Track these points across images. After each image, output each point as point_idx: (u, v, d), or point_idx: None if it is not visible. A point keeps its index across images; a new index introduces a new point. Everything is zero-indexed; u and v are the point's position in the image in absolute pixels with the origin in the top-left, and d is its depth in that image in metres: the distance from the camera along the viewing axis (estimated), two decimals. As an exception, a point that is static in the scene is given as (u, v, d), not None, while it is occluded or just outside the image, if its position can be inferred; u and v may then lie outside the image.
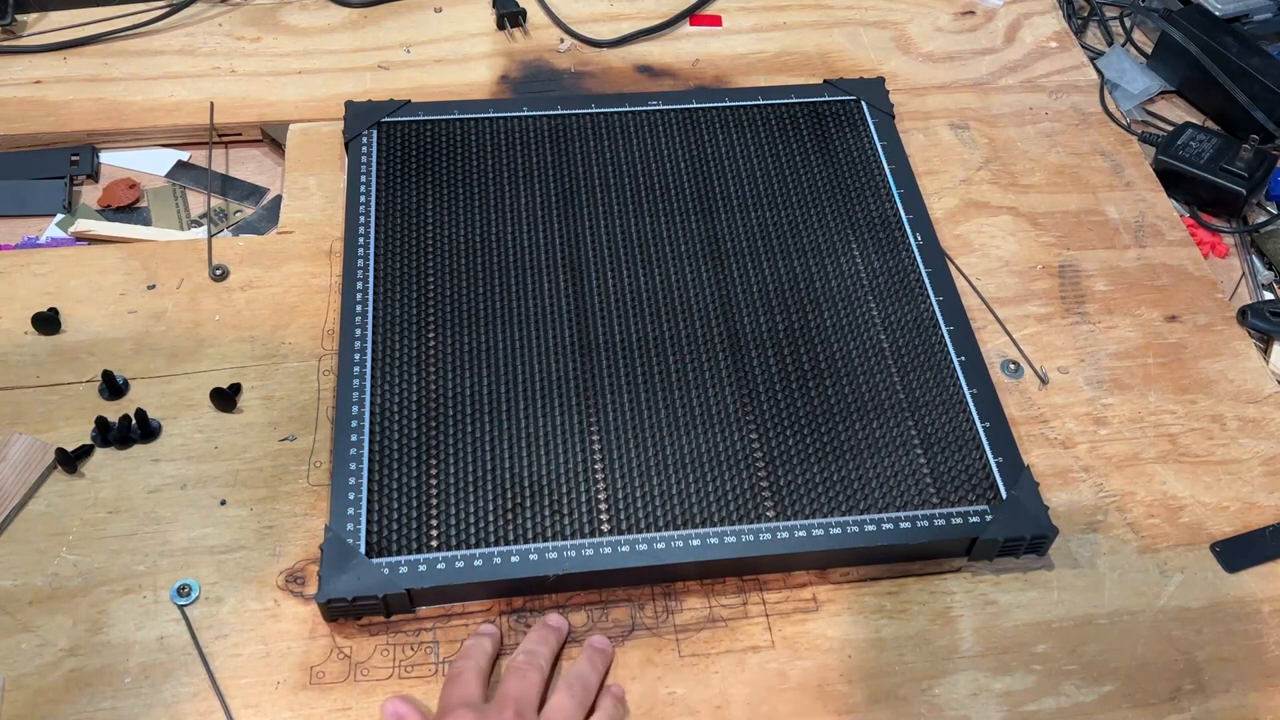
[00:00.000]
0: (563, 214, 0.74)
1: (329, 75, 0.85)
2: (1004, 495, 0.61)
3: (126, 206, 0.78)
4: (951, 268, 0.74)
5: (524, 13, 0.90)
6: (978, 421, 0.64)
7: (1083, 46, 0.94)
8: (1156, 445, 0.67)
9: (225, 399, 0.64)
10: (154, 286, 0.70)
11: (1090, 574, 0.61)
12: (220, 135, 0.82)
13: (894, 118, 0.82)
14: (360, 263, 0.69)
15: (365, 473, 0.60)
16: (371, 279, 0.69)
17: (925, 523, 0.60)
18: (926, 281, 0.71)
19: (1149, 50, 0.93)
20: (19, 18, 0.87)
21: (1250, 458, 0.67)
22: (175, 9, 0.89)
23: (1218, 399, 0.69)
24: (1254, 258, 0.81)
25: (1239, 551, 0.62)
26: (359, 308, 0.67)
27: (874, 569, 0.60)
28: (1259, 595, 0.61)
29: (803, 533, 0.59)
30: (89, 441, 0.63)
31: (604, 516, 0.59)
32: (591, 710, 0.54)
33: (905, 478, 0.62)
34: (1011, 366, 0.70)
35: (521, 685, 0.53)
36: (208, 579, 0.58)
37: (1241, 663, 0.58)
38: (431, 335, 0.67)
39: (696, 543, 0.58)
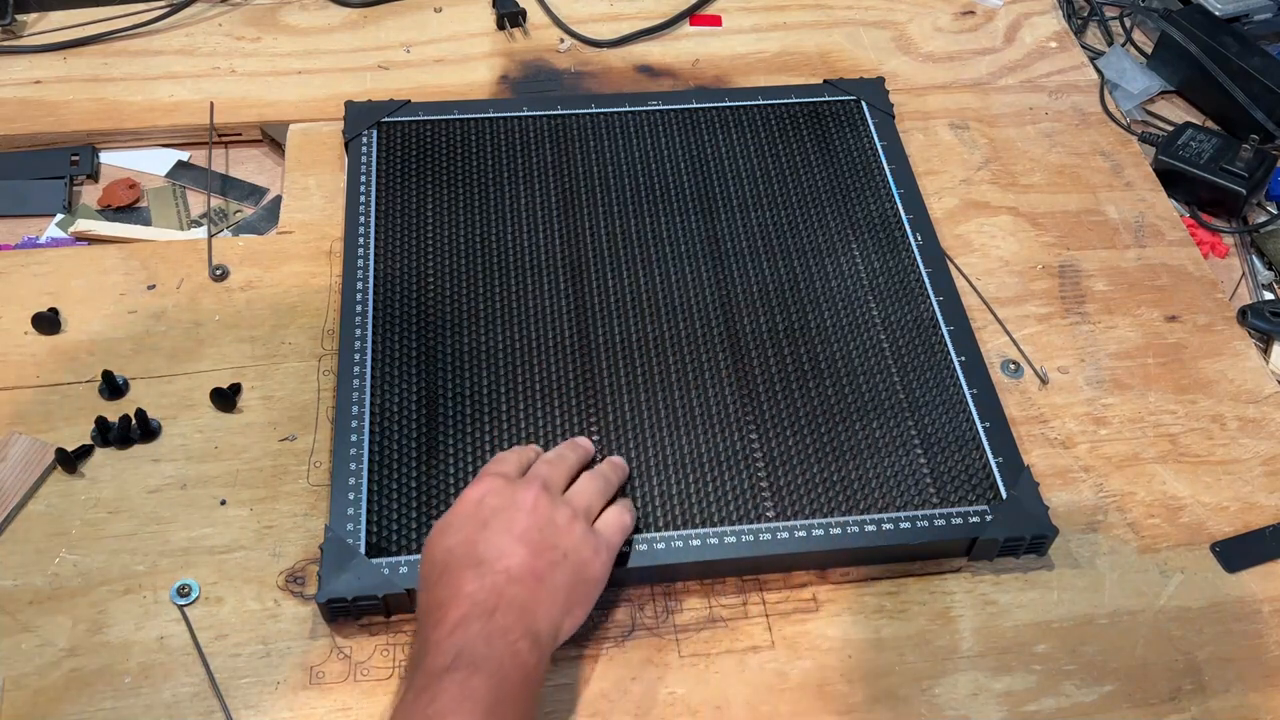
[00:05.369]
0: (563, 214, 0.74)
1: (329, 75, 0.85)
2: (1004, 495, 0.61)
3: (126, 206, 0.78)
4: (951, 268, 0.74)
5: (524, 13, 0.90)
6: (978, 421, 0.64)
7: (1083, 46, 0.94)
8: (1156, 445, 0.67)
9: (225, 399, 0.64)
10: (154, 286, 0.70)
11: (1090, 574, 0.61)
12: (220, 135, 0.82)
13: (894, 118, 0.82)
14: (360, 263, 0.69)
15: (365, 473, 0.60)
16: (371, 279, 0.69)
17: (925, 523, 0.60)
18: (926, 281, 0.71)
19: (1149, 50, 0.93)
20: (19, 18, 0.87)
21: (1250, 458, 0.67)
22: (175, 9, 0.89)
23: (1218, 399, 0.69)
24: (1254, 258, 0.81)
25: (1239, 551, 0.62)
26: (359, 308, 0.67)
27: (874, 569, 0.60)
28: (1259, 595, 0.61)
29: (803, 533, 0.59)
30: (89, 441, 0.63)
31: (604, 516, 0.59)
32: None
33: (905, 478, 0.62)
34: (1011, 366, 0.70)
35: (549, 470, 0.56)
36: (208, 579, 0.58)
37: (1241, 663, 0.58)
38: (431, 335, 0.67)
39: (696, 543, 0.58)
